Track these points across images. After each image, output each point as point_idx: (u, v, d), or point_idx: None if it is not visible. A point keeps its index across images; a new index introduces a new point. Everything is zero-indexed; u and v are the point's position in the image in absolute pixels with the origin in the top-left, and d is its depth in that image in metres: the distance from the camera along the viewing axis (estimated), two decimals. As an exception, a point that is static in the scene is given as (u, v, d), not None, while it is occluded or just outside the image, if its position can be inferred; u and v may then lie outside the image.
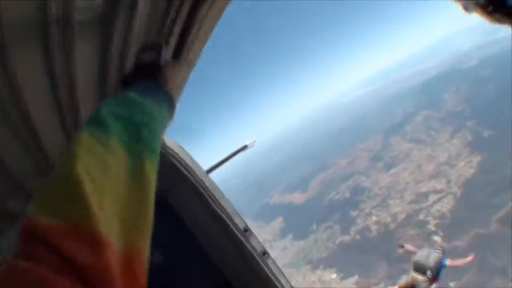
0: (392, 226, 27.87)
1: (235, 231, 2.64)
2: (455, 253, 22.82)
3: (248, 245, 2.65)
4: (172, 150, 2.55)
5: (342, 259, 27.16)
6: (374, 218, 30.00)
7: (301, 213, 38.47)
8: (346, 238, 29.68)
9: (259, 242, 2.75)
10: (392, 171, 35.74)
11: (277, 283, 2.73)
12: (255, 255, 2.66)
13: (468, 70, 50.06)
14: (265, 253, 2.74)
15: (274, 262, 2.78)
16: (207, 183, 2.67)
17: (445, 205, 26.58)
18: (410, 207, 28.79)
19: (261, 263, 2.67)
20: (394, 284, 22.39)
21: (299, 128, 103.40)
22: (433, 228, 25.08)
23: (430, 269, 8.24)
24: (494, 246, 20.74)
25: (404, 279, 9.39)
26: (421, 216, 26.95)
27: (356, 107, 79.61)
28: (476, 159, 29.63)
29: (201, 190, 2.63)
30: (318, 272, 27.18)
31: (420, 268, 8.43)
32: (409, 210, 28.52)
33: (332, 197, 38.01)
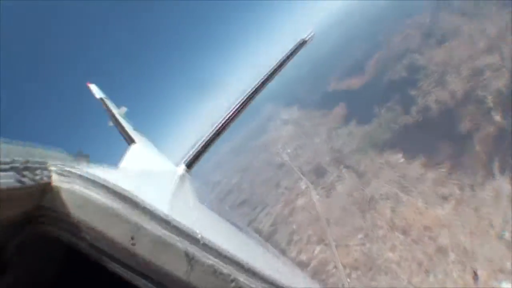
0: (451, 104, 30.78)
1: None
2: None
3: None
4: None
5: (406, 140, 28.94)
6: (433, 96, 32.58)
7: (361, 97, 39.96)
8: (409, 118, 31.57)
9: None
10: (445, 45, 37.11)
11: None
12: None
13: None
14: None
15: None
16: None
17: (501, 81, 28.77)
18: (467, 83, 31.22)
19: None
20: (458, 163, 25.32)
21: (341, 16, 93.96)
22: (491, 105, 27.84)
23: None
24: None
25: None
26: (478, 92, 29.38)
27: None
28: (527, 35, 30.01)
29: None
30: (385, 155, 28.86)
31: None
32: (466, 86, 30.95)
33: (389, 77, 39.43)
